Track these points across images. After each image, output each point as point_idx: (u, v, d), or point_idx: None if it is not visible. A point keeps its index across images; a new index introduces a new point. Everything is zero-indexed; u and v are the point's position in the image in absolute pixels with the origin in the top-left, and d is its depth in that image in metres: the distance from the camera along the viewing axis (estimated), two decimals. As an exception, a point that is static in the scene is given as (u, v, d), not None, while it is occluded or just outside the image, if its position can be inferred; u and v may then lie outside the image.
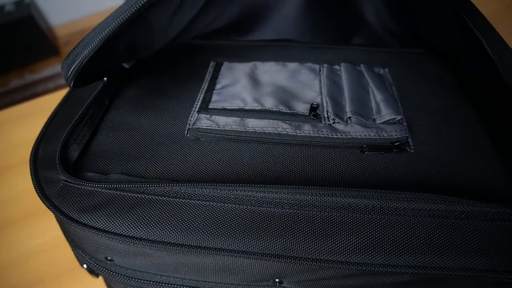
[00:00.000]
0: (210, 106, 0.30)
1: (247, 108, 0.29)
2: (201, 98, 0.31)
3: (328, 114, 0.28)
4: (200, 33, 0.37)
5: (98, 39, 0.25)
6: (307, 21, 0.36)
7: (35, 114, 0.54)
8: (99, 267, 0.27)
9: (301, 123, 0.28)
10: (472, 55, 0.29)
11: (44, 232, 0.40)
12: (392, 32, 0.37)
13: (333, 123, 0.28)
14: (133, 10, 0.24)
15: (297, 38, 0.37)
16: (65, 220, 0.24)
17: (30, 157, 0.28)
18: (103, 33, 0.24)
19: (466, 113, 0.29)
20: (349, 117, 0.28)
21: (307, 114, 0.28)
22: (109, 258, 0.26)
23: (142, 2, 0.24)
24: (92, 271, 0.30)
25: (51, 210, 0.24)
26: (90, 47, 0.25)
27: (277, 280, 0.24)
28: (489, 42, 0.25)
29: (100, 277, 0.34)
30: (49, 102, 0.55)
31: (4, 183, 0.45)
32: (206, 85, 0.33)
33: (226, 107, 0.30)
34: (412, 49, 0.37)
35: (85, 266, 0.30)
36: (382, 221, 0.22)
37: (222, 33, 0.38)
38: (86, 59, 0.25)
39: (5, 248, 0.39)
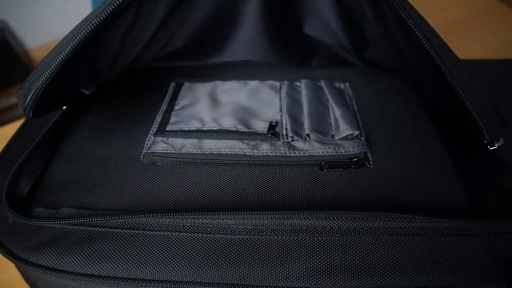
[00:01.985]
0: (167, 128, 0.29)
1: (205, 128, 0.29)
2: (159, 120, 0.30)
3: (287, 131, 0.28)
4: (160, 55, 0.37)
5: (53, 64, 0.23)
6: (264, 43, 0.36)
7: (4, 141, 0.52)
8: (57, 305, 0.26)
9: (259, 142, 0.27)
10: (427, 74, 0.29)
11: (5, 269, 0.38)
12: (350, 52, 0.37)
13: (292, 140, 0.27)
14: (87, 32, 0.23)
15: (257, 59, 0.37)
16: (13, 260, 0.22)
17: (-21, 194, 0.26)
18: (59, 58, 0.23)
19: (426, 128, 0.29)
20: (308, 134, 0.27)
21: (265, 132, 0.28)
22: (64, 296, 0.25)
23: (95, 24, 0.23)
24: (53, 309, 0.29)
25: (-2, 251, 0.23)
26: (46, 73, 0.24)
27: (238, 309, 0.23)
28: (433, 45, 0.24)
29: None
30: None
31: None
32: (165, 107, 0.32)
33: (184, 129, 0.29)
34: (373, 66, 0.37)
35: (45, 303, 0.28)
36: (341, 242, 0.22)
37: (181, 56, 0.37)
38: (43, 86, 0.24)
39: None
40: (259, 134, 0.28)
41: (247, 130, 0.28)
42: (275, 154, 0.26)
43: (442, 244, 0.21)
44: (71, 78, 0.28)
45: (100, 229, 0.23)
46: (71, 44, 0.23)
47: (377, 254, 0.21)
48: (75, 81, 0.29)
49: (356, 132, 0.27)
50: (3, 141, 0.52)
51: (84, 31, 0.23)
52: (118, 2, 0.23)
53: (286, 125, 0.28)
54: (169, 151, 0.27)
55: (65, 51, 0.23)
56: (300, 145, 0.27)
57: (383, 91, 0.33)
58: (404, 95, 0.32)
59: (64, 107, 0.30)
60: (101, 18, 0.22)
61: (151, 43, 0.32)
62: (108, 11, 0.23)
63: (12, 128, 0.54)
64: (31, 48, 1.66)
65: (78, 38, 0.23)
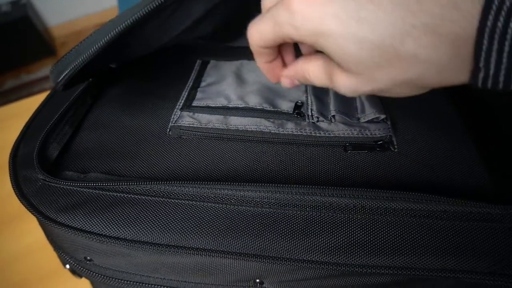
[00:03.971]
0: (193, 104, 0.30)
1: (230, 106, 0.29)
2: (185, 96, 0.31)
3: (312, 112, 0.28)
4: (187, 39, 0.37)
5: (91, 50, 0.24)
6: None
7: (24, 114, 0.53)
8: (80, 267, 0.27)
9: (285, 121, 0.27)
10: None
11: (30, 233, 0.40)
12: None
13: (317, 121, 0.27)
14: (128, 24, 0.23)
15: None
16: (42, 219, 0.23)
17: (10, 156, 0.27)
18: (97, 45, 0.24)
19: (450, 115, 0.29)
20: (333, 116, 0.27)
21: (291, 112, 0.28)
22: (88, 258, 0.25)
23: (138, 17, 0.23)
24: (74, 272, 0.30)
25: (28, 209, 0.24)
26: (83, 57, 0.24)
27: (257, 280, 0.24)
28: None
29: (85, 278, 0.34)
30: (39, 103, 0.54)
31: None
32: (191, 83, 0.32)
33: (210, 105, 0.29)
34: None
35: (67, 266, 0.29)
36: (363, 221, 0.22)
37: (208, 38, 0.38)
38: (78, 68, 0.25)
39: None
40: (284, 113, 0.28)
41: (272, 109, 0.28)
42: (300, 133, 0.26)
43: (465, 229, 0.21)
44: (105, 60, 0.28)
45: (126, 195, 0.23)
46: (111, 34, 0.23)
47: (399, 234, 0.21)
48: (107, 61, 0.30)
49: (382, 116, 0.27)
50: (24, 114, 0.53)
51: (124, 23, 0.23)
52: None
53: (311, 105, 0.28)
54: (195, 126, 0.27)
55: (104, 40, 0.23)
56: (326, 126, 0.27)
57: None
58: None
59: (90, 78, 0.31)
60: (145, 12, 0.23)
61: (183, 31, 0.32)
62: (153, 7, 0.23)
63: (32, 102, 0.55)
64: (52, 25, 1.68)
65: (118, 28, 0.23)
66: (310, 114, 0.28)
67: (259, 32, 0.20)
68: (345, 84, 0.18)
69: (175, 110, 0.29)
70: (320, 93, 0.30)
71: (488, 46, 0.13)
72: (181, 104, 0.30)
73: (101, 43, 0.24)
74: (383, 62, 0.16)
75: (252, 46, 0.21)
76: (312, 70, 0.20)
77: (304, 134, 0.26)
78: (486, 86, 0.14)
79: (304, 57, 0.21)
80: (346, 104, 0.29)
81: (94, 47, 0.24)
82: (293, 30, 0.17)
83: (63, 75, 0.25)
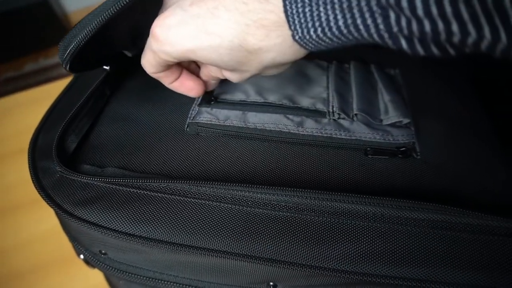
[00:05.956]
0: (211, 99, 0.29)
1: (249, 101, 0.28)
2: None
3: (334, 109, 0.27)
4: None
5: (95, 22, 0.23)
6: None
7: (44, 100, 0.53)
8: (94, 259, 0.27)
9: (304, 117, 0.27)
10: None
11: (48, 218, 0.40)
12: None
13: (338, 118, 0.27)
14: None
15: None
16: (59, 211, 0.23)
17: (29, 146, 0.27)
18: (101, 17, 0.23)
19: (481, 121, 0.27)
20: (355, 114, 0.27)
21: (311, 108, 0.27)
22: (103, 251, 0.26)
23: None
24: (88, 263, 0.30)
25: (45, 201, 0.24)
26: (87, 29, 0.23)
27: (271, 283, 0.23)
28: None
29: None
30: (58, 89, 0.54)
31: (9, 168, 0.45)
32: None
33: (228, 100, 0.29)
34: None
35: (82, 256, 0.29)
36: (382, 230, 0.21)
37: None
38: (83, 41, 0.24)
39: (9, 233, 0.40)
40: (304, 109, 0.27)
41: (292, 105, 0.28)
42: (320, 134, 0.26)
43: (490, 243, 0.20)
44: (115, 38, 0.27)
45: (143, 192, 0.23)
46: (115, 6, 0.22)
47: (419, 246, 0.21)
48: (118, 42, 0.29)
49: (406, 120, 0.26)
50: (43, 99, 0.53)
51: None
52: None
53: (333, 102, 0.28)
54: (213, 122, 0.27)
55: (108, 11, 0.22)
56: (347, 125, 0.26)
57: (436, 80, 0.31)
58: (458, 86, 0.31)
59: (107, 67, 0.30)
60: None
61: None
62: None
63: (51, 88, 0.55)
64: (71, 11, 1.69)
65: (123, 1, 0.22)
66: (331, 110, 0.27)
67: (147, 62, 0.23)
68: (231, 77, 0.23)
69: (193, 105, 0.29)
70: (343, 90, 0.29)
71: (293, 24, 0.17)
72: (199, 99, 0.29)
73: (104, 15, 0.23)
74: (242, 59, 0.20)
75: (149, 74, 0.24)
76: (211, 70, 0.25)
77: (325, 135, 0.26)
78: (309, 48, 0.18)
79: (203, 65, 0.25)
80: (369, 104, 0.28)
81: (97, 19, 0.23)
82: (167, 55, 0.21)
83: (69, 49, 0.24)
